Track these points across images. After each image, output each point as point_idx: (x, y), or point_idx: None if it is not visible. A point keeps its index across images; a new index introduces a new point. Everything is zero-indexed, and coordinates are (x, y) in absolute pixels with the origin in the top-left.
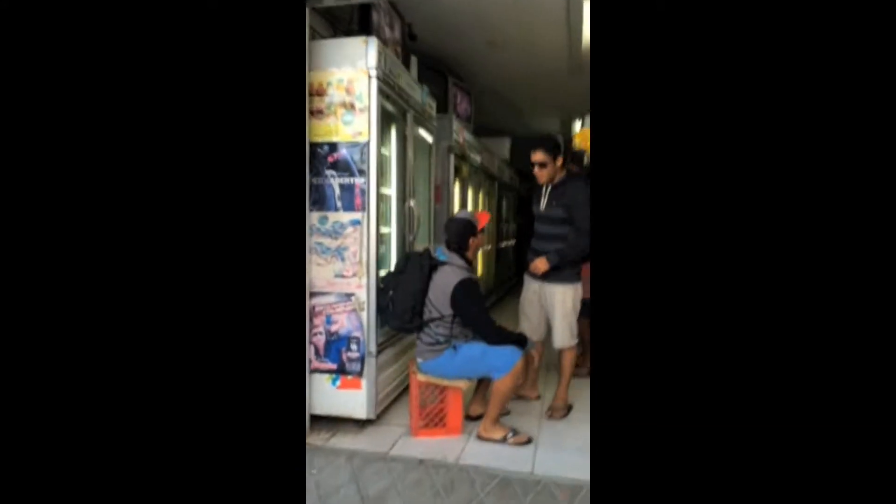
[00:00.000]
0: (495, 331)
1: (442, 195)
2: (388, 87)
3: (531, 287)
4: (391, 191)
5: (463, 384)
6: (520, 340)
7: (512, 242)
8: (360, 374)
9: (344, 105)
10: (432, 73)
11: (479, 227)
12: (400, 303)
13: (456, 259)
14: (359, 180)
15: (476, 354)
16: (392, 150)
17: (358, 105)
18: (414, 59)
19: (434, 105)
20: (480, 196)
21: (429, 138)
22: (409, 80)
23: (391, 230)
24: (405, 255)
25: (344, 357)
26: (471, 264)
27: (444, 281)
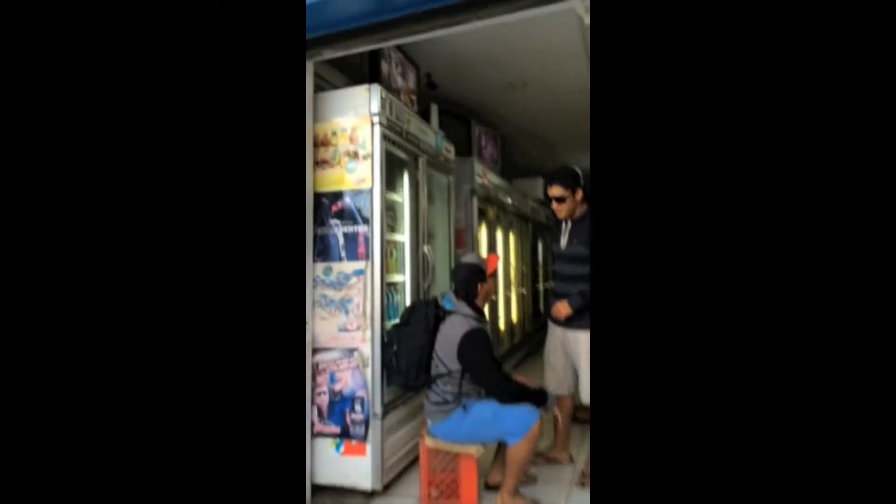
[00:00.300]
0: (507, 388)
1: (465, 239)
2: (394, 133)
3: (555, 334)
4: (405, 237)
5: (476, 451)
6: (537, 398)
7: (551, 284)
8: (364, 438)
9: (348, 154)
10: (454, 118)
11: (489, 271)
12: (404, 358)
13: (464, 308)
14: (362, 228)
15: (487, 416)
16: (405, 197)
17: (361, 152)
18: (434, 107)
19: (452, 149)
20: (512, 238)
21: (446, 182)
22: (420, 126)
23: (405, 278)
24: (410, 306)
25: (348, 419)
26: (481, 313)
27: (451, 332)
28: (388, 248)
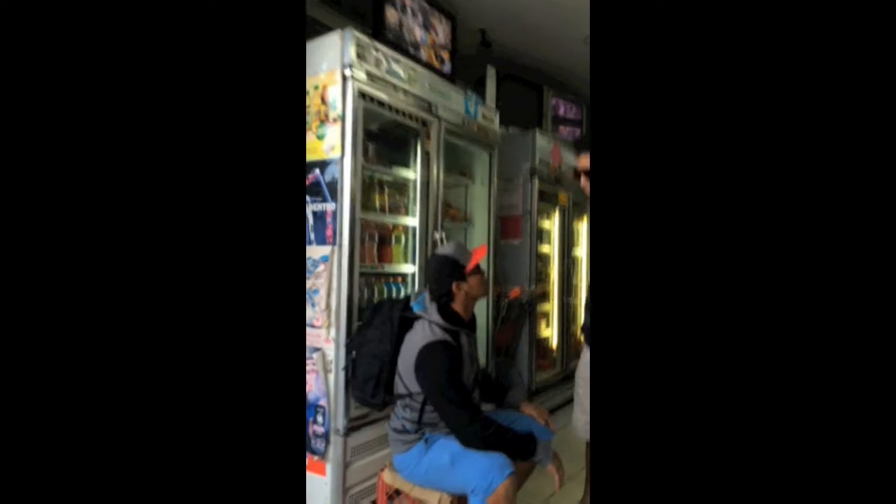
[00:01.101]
0: (469, 427)
1: (521, 229)
2: (382, 92)
3: (583, 358)
4: (415, 221)
5: (439, 499)
6: (516, 447)
7: None
8: (323, 455)
9: (319, 116)
10: (522, 84)
11: (470, 265)
12: (362, 368)
13: (432, 313)
14: (330, 206)
15: (445, 460)
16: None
17: (332, 114)
18: (492, 71)
19: (494, 116)
20: None
21: (487, 158)
22: (436, 86)
23: (415, 269)
24: (375, 305)
25: (310, 430)
26: (459, 321)
27: (411, 344)
28: (393, 233)
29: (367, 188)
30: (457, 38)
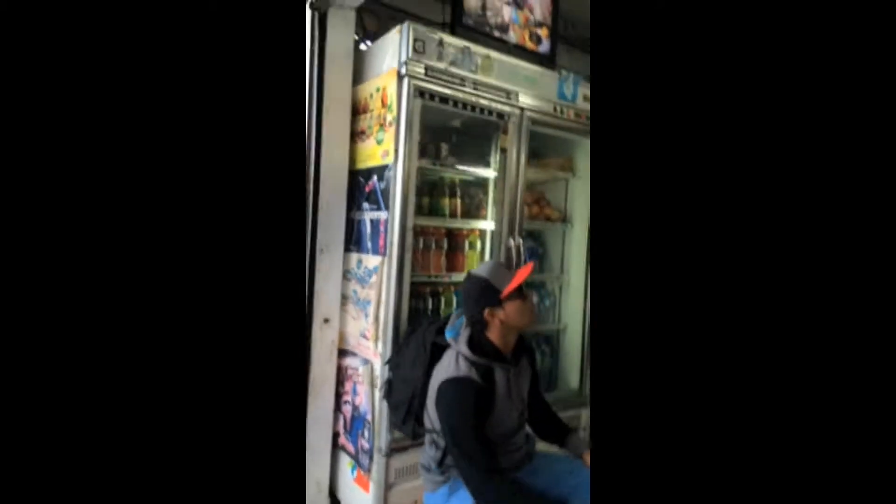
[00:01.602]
0: (483, 480)
1: None
2: (446, 87)
3: None
4: (489, 225)
5: None
6: None
7: None
8: (369, 471)
9: (379, 121)
10: None
11: (507, 290)
12: (396, 391)
13: (461, 343)
14: (384, 214)
15: None
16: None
17: (389, 117)
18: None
19: None
20: None
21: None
22: (520, 71)
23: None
24: (411, 326)
25: (360, 443)
26: (494, 354)
27: (437, 376)
28: (467, 238)
29: (433, 191)
30: (559, 14)
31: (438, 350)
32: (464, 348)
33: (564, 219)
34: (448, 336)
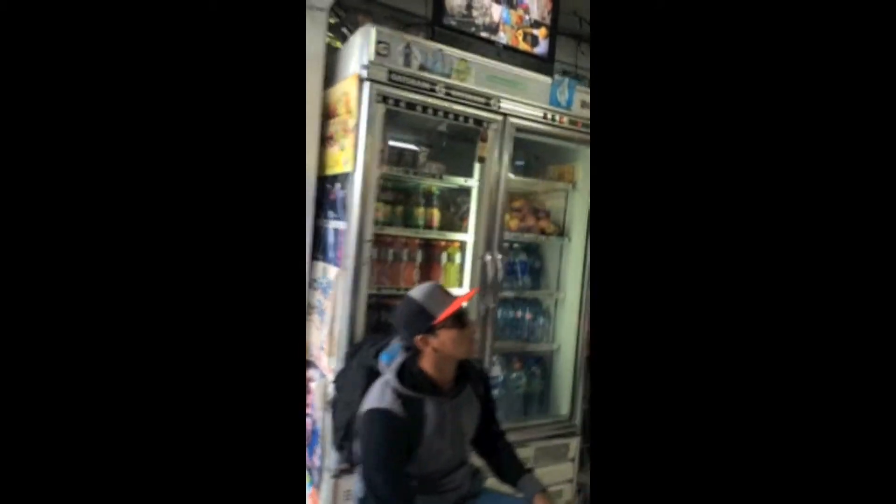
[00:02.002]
0: None
1: None
2: (415, 92)
3: None
4: (468, 237)
5: None
6: None
7: None
8: (318, 487)
9: (343, 126)
10: None
11: (441, 317)
12: (338, 414)
13: (390, 371)
14: (343, 224)
15: None
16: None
17: (351, 123)
18: None
19: None
20: None
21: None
22: (503, 75)
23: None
24: (355, 344)
25: (314, 459)
26: (423, 384)
27: (364, 404)
28: (446, 250)
29: (408, 200)
30: (559, 13)
31: (375, 374)
32: (391, 377)
33: (562, 232)
34: (383, 360)
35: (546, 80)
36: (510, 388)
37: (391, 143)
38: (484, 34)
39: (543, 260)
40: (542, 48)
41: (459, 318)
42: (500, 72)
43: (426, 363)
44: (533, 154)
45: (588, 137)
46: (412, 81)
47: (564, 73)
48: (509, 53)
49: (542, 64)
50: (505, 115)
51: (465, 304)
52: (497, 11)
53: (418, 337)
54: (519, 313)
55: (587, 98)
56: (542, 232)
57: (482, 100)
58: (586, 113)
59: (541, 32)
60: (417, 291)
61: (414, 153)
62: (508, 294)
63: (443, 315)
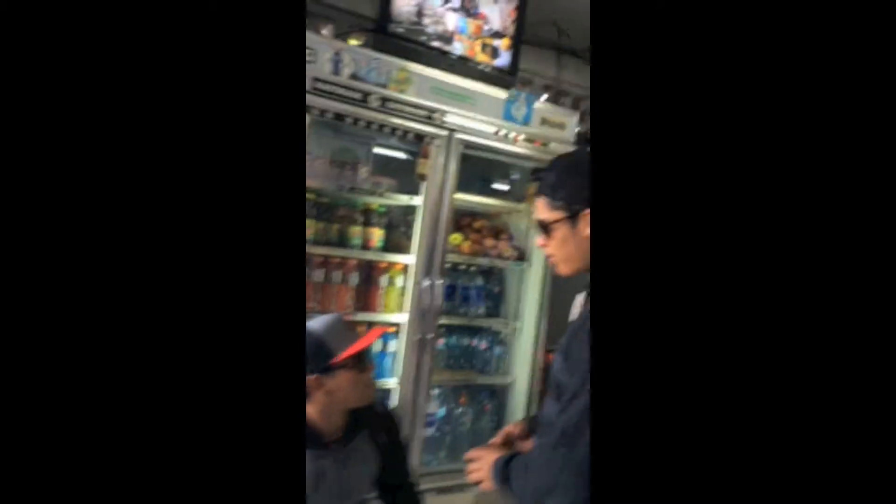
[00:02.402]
0: None
1: None
2: (348, 101)
3: None
4: (410, 260)
5: None
6: None
7: None
8: None
9: None
10: None
11: (343, 355)
12: None
13: None
14: None
15: None
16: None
17: None
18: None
19: (569, 121)
20: None
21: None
22: (449, 88)
23: (404, 320)
24: None
25: None
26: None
27: None
28: (388, 272)
29: (343, 218)
30: (524, 23)
31: None
32: None
33: (522, 257)
34: None
35: (499, 94)
36: (454, 425)
37: (319, 156)
38: (436, 44)
39: (504, 285)
40: (503, 60)
41: (360, 359)
42: (445, 84)
43: (313, 407)
44: (489, 172)
45: (546, 156)
46: (341, 91)
47: (547, 88)
48: (463, 65)
49: (503, 77)
50: (451, 130)
51: (369, 344)
52: (452, 20)
53: (311, 377)
54: (473, 342)
55: (550, 114)
56: (500, 256)
57: (424, 113)
58: (547, 130)
59: (503, 43)
60: (317, 323)
61: (355, 167)
62: (461, 321)
63: (345, 353)
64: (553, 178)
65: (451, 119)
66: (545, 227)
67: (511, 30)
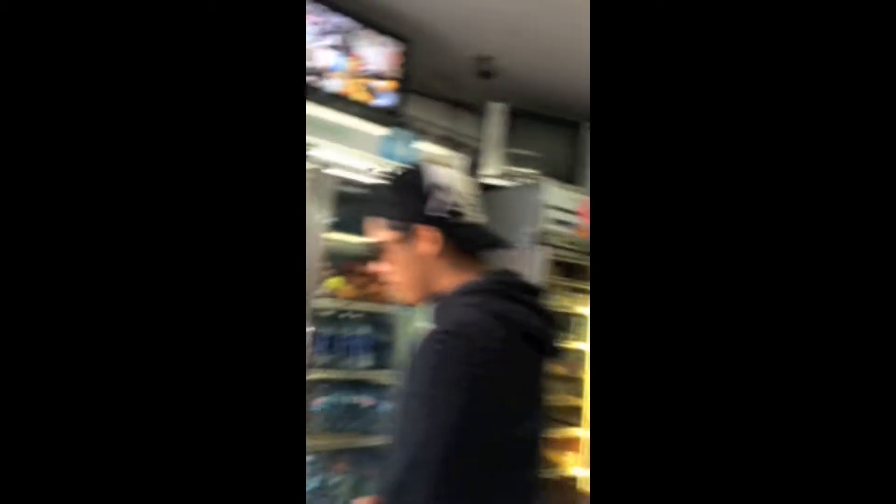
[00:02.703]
0: None
1: None
2: None
3: None
4: None
5: None
6: None
7: None
8: None
9: None
10: (543, 121)
11: None
12: None
13: None
14: None
15: None
16: None
17: None
18: (497, 107)
19: (457, 165)
20: None
21: None
22: (326, 125)
23: None
24: None
25: None
26: None
27: None
28: None
29: None
30: (410, 64)
31: None
32: None
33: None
34: None
35: (375, 130)
36: (329, 496)
37: None
38: (308, 79)
39: (393, 333)
40: (385, 101)
41: None
42: (317, 119)
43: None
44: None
45: None
46: None
47: (445, 139)
48: (335, 101)
49: (384, 116)
50: (322, 164)
51: None
52: (327, 57)
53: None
54: (357, 399)
55: (435, 155)
56: (380, 300)
57: None
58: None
59: (388, 85)
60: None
61: None
62: (344, 375)
63: None
64: (387, 195)
65: (323, 154)
66: (382, 251)
67: (398, 73)
